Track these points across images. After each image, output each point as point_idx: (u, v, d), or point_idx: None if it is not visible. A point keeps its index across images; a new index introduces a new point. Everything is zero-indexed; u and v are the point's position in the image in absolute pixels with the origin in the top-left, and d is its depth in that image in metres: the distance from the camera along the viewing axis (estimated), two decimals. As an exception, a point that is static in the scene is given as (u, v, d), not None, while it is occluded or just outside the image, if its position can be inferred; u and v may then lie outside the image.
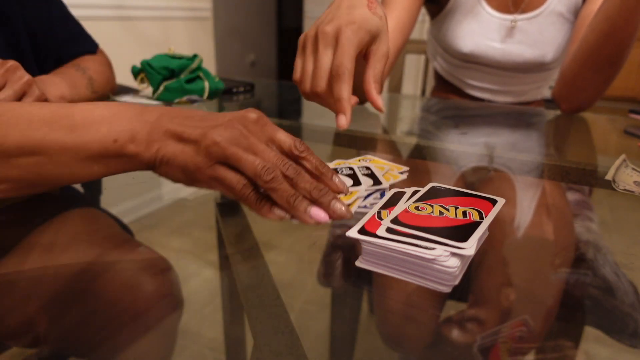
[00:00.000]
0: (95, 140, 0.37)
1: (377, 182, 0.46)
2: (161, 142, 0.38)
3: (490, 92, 1.03)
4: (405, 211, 0.38)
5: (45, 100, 0.60)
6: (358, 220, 0.37)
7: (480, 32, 0.96)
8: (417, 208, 0.39)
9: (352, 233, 0.35)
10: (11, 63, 0.56)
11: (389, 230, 0.35)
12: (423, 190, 0.42)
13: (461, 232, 0.34)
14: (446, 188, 0.43)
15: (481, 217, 0.37)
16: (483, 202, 0.40)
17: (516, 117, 0.94)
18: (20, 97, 0.56)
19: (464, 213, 0.37)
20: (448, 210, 0.38)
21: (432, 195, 0.41)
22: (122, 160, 0.38)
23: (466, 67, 1.02)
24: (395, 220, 0.36)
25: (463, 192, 0.42)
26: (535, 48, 0.94)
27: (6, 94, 0.55)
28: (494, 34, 0.95)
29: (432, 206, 0.39)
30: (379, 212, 0.38)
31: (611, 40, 0.74)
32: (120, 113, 0.39)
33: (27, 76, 0.57)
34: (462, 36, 0.97)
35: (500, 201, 0.40)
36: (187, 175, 0.38)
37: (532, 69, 0.97)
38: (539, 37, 0.93)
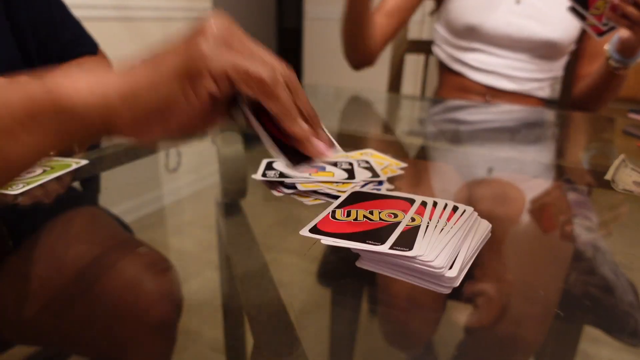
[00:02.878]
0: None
1: (374, 175, 0.47)
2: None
3: (495, 75, 1.03)
4: (327, 219, 0.38)
5: None
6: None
7: (487, 5, 0.98)
8: (335, 216, 0.38)
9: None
10: None
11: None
12: (343, 197, 0.42)
13: (380, 234, 0.34)
14: (366, 192, 0.43)
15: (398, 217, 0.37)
16: (402, 202, 0.40)
17: (516, 117, 0.94)
18: None
19: (385, 215, 0.38)
20: (372, 214, 0.38)
21: (353, 200, 0.41)
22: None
23: (472, 48, 1.03)
24: (314, 230, 0.36)
25: (382, 195, 0.42)
26: (543, 23, 0.97)
27: None
28: (501, 7, 0.98)
29: (356, 212, 0.39)
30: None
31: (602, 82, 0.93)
32: None
33: None
34: (468, 8, 1.00)
35: (418, 199, 0.40)
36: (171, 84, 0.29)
37: (538, 47, 0.98)
38: (547, 12, 0.96)
